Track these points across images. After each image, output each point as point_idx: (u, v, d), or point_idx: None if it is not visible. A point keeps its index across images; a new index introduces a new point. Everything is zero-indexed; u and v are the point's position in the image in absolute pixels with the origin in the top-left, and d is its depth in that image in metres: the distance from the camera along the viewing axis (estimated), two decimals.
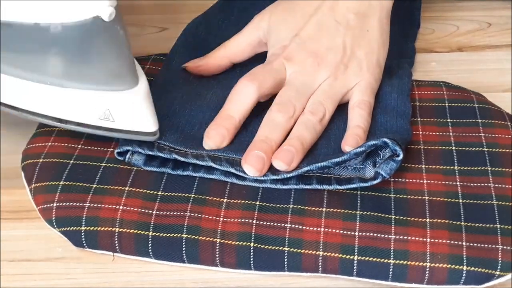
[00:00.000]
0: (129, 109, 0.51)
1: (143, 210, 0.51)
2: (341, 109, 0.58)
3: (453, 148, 0.55)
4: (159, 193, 0.52)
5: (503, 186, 0.52)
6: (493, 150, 0.54)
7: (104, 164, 0.54)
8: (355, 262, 0.48)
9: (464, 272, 0.47)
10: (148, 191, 0.52)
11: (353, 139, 0.55)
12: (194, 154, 0.53)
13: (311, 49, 0.58)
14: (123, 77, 0.51)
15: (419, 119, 0.58)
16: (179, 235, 0.50)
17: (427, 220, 0.49)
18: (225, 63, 0.63)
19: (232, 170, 0.52)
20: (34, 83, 0.50)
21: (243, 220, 0.50)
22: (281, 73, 0.58)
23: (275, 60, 0.58)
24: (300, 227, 0.50)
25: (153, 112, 0.52)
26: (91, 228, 0.51)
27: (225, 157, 0.53)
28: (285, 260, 0.49)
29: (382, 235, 0.49)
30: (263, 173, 0.52)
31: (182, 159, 0.53)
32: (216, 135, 0.55)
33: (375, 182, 0.51)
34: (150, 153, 0.53)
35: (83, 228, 0.51)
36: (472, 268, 0.47)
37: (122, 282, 0.51)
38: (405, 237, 0.48)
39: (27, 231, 0.54)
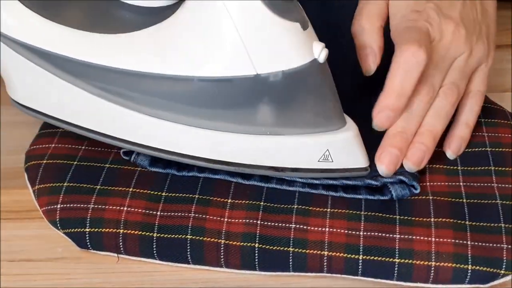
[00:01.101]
0: (346, 147, 0.51)
1: (147, 211, 0.51)
2: None
3: None
4: (163, 194, 0.52)
5: (506, 185, 0.52)
6: (496, 149, 0.54)
7: (108, 165, 0.54)
8: (360, 261, 0.48)
9: (469, 271, 0.47)
10: (152, 192, 0.52)
11: (456, 143, 0.54)
12: None
13: (449, 15, 0.55)
14: (337, 116, 0.50)
15: None
16: (184, 236, 0.50)
17: (432, 219, 0.50)
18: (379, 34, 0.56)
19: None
20: (249, 136, 0.50)
21: (247, 220, 0.50)
22: (428, 27, 0.53)
23: (418, 21, 0.53)
24: (305, 227, 0.50)
25: (364, 147, 0.51)
26: (96, 230, 0.51)
27: None
28: (290, 260, 0.49)
29: (387, 235, 0.49)
30: (394, 171, 0.51)
31: None
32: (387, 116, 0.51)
33: (382, 198, 0.51)
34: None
35: (87, 229, 0.51)
36: (477, 267, 0.48)
37: (122, 282, 0.51)
38: (410, 237, 0.49)
39: (27, 231, 0.54)
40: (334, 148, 0.50)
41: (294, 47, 0.47)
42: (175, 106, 0.50)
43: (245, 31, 0.46)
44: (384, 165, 0.51)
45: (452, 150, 0.54)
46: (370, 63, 0.55)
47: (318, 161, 0.50)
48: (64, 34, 0.51)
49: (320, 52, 0.47)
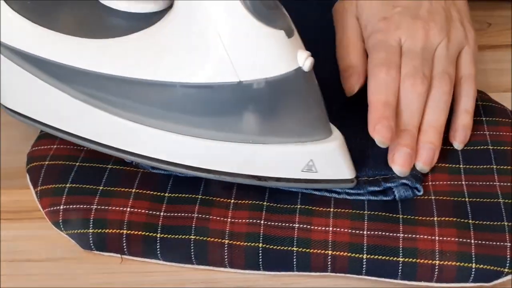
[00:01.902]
0: (331, 158, 0.50)
1: (150, 212, 0.51)
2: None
3: None
4: (166, 194, 0.52)
5: (508, 184, 0.52)
6: (498, 148, 0.54)
7: (110, 166, 0.54)
8: (364, 260, 0.48)
9: (473, 269, 0.48)
10: (155, 193, 0.52)
11: (462, 133, 0.54)
12: None
13: (415, 14, 0.56)
14: (322, 126, 0.50)
15: None
16: (188, 236, 0.50)
17: (435, 218, 0.50)
18: (365, 56, 0.57)
19: None
20: (232, 144, 0.49)
21: (251, 220, 0.50)
22: (398, 44, 0.55)
23: (386, 35, 0.55)
24: (308, 226, 0.50)
25: (350, 158, 0.51)
26: (99, 231, 0.51)
27: None
28: (294, 260, 0.49)
29: (391, 234, 0.49)
30: (409, 170, 0.51)
31: None
32: (384, 129, 0.50)
33: (385, 198, 0.51)
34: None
35: (90, 230, 0.51)
36: (481, 266, 0.48)
37: (123, 282, 0.51)
38: (414, 235, 0.49)
39: (27, 231, 0.54)
40: (318, 159, 0.49)
41: (278, 55, 0.47)
42: (158, 112, 0.49)
43: (229, 38, 0.46)
44: (399, 166, 0.51)
45: (459, 141, 0.54)
46: (353, 83, 0.56)
47: (302, 171, 0.50)
48: (52, 39, 0.51)
49: (304, 60, 0.47)
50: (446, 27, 0.56)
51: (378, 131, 0.50)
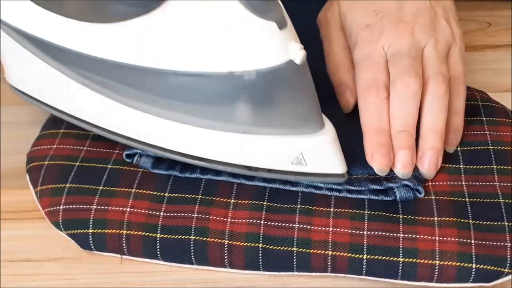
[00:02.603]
0: (321, 152, 0.50)
1: (150, 212, 0.51)
2: None
3: (458, 147, 0.55)
4: (166, 194, 0.52)
5: (508, 184, 0.52)
6: (498, 148, 0.54)
7: (110, 166, 0.54)
8: (364, 261, 0.48)
9: (473, 270, 0.48)
10: (155, 193, 0.52)
11: (453, 136, 0.54)
12: None
13: (398, 17, 0.55)
14: (314, 119, 0.49)
15: None
16: (187, 236, 0.50)
17: (435, 218, 0.50)
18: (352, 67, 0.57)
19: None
20: (222, 133, 0.49)
21: (251, 220, 0.50)
22: (383, 57, 0.54)
23: (370, 47, 0.54)
24: (309, 227, 0.50)
25: (341, 152, 0.51)
26: (99, 231, 0.51)
27: None
28: (294, 260, 0.49)
29: (391, 234, 0.49)
30: (412, 170, 0.51)
31: None
32: (381, 157, 0.51)
33: (385, 198, 0.51)
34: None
35: (90, 230, 0.51)
36: (481, 266, 0.48)
37: (122, 282, 0.51)
38: (414, 236, 0.49)
39: (27, 231, 0.53)
40: (307, 152, 0.49)
41: (268, 47, 0.47)
42: (152, 98, 0.50)
43: (219, 28, 0.46)
44: (400, 168, 0.51)
45: (450, 144, 0.54)
46: (348, 99, 0.56)
47: (292, 163, 0.50)
48: (55, 22, 0.51)
49: (296, 53, 0.47)
50: (432, 27, 0.55)
51: (376, 159, 0.51)
